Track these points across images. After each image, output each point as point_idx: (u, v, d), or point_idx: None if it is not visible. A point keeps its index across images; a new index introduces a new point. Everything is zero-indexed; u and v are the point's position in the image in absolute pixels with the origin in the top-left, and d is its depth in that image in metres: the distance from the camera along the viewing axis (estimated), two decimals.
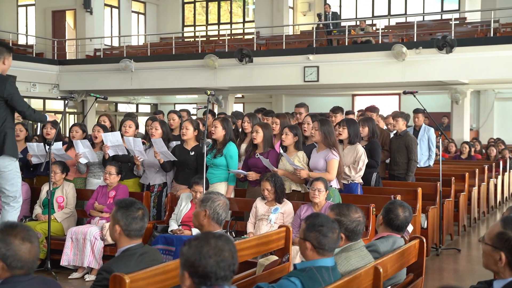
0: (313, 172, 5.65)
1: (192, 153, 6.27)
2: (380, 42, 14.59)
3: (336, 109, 7.75)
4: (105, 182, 6.24)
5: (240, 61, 14.75)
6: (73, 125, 7.09)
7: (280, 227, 4.14)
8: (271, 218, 5.41)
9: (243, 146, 6.70)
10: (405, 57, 13.26)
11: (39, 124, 18.07)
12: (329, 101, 18.05)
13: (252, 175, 5.95)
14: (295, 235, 4.86)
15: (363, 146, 6.27)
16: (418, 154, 7.93)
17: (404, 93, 7.70)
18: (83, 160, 6.60)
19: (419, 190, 6.45)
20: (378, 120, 8.20)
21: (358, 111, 9.47)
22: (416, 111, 8.73)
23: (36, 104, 17.61)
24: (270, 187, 5.43)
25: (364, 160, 6.05)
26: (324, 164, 5.58)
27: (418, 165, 8.01)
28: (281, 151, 5.82)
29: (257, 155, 6.05)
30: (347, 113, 8.75)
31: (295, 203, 5.56)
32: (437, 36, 13.83)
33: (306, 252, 2.90)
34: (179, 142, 6.59)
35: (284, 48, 15.41)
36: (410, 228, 5.35)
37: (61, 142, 6.72)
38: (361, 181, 6.17)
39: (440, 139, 7.75)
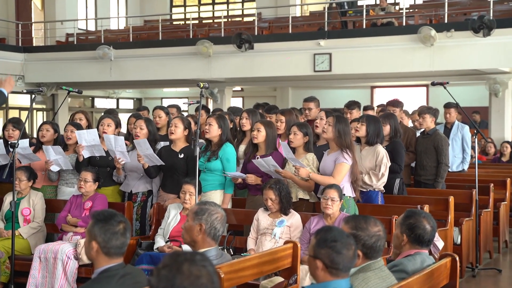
0: (314, 173, 5.66)
1: (182, 156, 6.28)
2: (404, 24, 14.58)
3: (352, 104, 7.75)
4: (80, 191, 6.25)
5: (238, 48, 14.76)
6: (42, 124, 7.08)
7: (286, 242, 4.15)
8: (275, 232, 5.41)
9: (242, 147, 6.71)
10: (434, 41, 13.25)
11: (0, 122, 18.19)
12: (343, 94, 18.04)
13: (252, 178, 5.97)
14: (304, 252, 4.86)
15: (383, 147, 6.28)
16: (450, 157, 7.93)
17: (433, 84, 7.70)
18: (54, 168, 6.61)
19: (451, 199, 6.45)
20: (401, 116, 8.22)
21: (378, 106, 9.49)
22: (447, 106, 8.73)
23: None
24: (274, 195, 5.43)
25: (386, 164, 6.07)
26: (333, 168, 5.59)
27: (449, 170, 8.01)
28: (280, 140, 5.82)
29: (257, 158, 6.06)
30: (365, 108, 8.76)
31: (304, 215, 5.56)
32: (473, 16, 13.82)
33: (316, 272, 2.90)
34: (167, 143, 6.60)
35: (290, 32, 15.41)
36: (440, 244, 5.36)
37: (27, 140, 6.68)
38: (382, 188, 6.17)
39: (476, 139, 7.66)
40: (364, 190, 6.07)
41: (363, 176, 6.04)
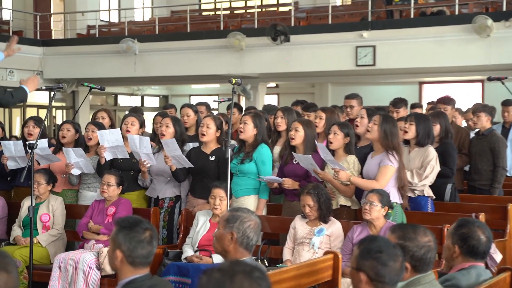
0: (355, 177, 5.64)
1: (213, 158, 6.31)
2: (457, 13, 14.42)
3: (398, 102, 7.71)
4: (102, 196, 6.32)
5: (273, 41, 14.77)
6: (63, 123, 7.18)
7: (325, 253, 4.15)
8: (314, 242, 5.41)
9: (276, 149, 6.71)
10: (490, 32, 13.07)
11: (17, 120, 18.48)
12: (388, 91, 17.90)
13: (289, 182, 5.96)
14: (346, 264, 4.85)
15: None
16: (508, 160, 7.83)
17: (489, 79, 7.63)
18: (75, 172, 6.68)
19: (510, 207, 6.35)
20: (454, 115, 8.13)
21: (428, 104, 9.39)
22: (506, 103, 8.61)
23: None
24: (312, 202, 5.43)
25: (433, 165, 6.01)
26: (377, 171, 5.56)
27: (507, 174, 7.90)
28: (316, 142, 5.79)
29: (295, 160, 6.05)
30: (413, 106, 8.70)
31: (345, 223, 5.55)
32: None
33: (360, 286, 2.89)
34: (196, 144, 6.64)
35: (330, 23, 15.36)
36: (498, 256, 5.29)
37: (46, 140, 6.76)
38: (431, 193, 6.13)
39: None
40: (412, 195, 6.02)
41: (408, 174, 5.99)
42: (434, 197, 6.17)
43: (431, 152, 6.06)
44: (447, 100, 8.06)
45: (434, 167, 6.04)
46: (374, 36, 14.20)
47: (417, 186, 6.04)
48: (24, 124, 7.32)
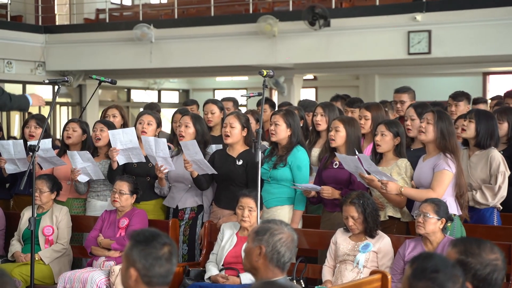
0: (407, 187, 5.60)
1: (240, 163, 6.34)
2: None
3: (459, 95, 7.65)
4: (114, 206, 6.36)
5: (311, 25, 14.75)
6: (68, 122, 7.22)
7: (372, 273, 4.14)
8: (358, 259, 5.40)
9: (315, 151, 6.71)
10: None
11: (16, 119, 18.67)
12: (446, 84, 17.79)
13: (328, 191, 5.95)
14: (396, 285, 4.83)
15: (499, 152, 6.17)
16: None
17: None
18: (82, 178, 6.72)
19: None
20: None
21: (493, 99, 9.32)
22: None
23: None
24: (356, 213, 5.42)
25: (503, 171, 5.96)
26: (431, 178, 5.53)
27: None
28: (357, 153, 5.74)
29: (335, 164, 6.04)
30: (475, 101, 8.64)
31: (396, 237, 5.54)
32: None
33: None
34: (220, 147, 6.67)
35: (377, 4, 15.31)
36: None
37: (50, 140, 6.78)
38: (499, 205, 6.07)
39: None
40: (477, 207, 5.97)
41: (473, 192, 5.94)
42: (501, 208, 6.11)
43: (496, 156, 5.99)
44: None
45: (504, 173, 5.96)
46: (429, 19, 14.10)
47: (493, 203, 5.97)
48: (24, 124, 7.33)
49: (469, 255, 3.22)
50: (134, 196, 6.36)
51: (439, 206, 5.20)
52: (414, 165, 5.83)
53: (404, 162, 5.84)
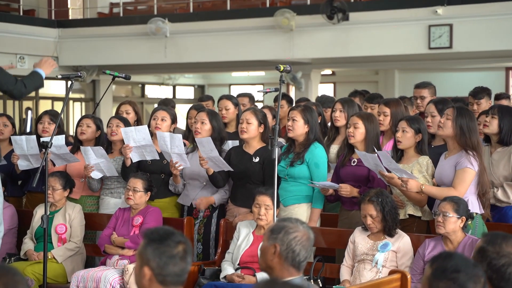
0: (428, 185, 5.58)
1: (257, 160, 6.34)
2: None
3: (479, 92, 7.61)
4: (128, 203, 6.38)
5: (329, 19, 14.73)
6: (82, 118, 7.26)
7: (391, 272, 4.14)
8: (377, 259, 5.39)
9: (334, 148, 6.70)
10: None
11: (28, 116, 18.72)
12: (468, 79, 17.72)
13: (346, 189, 5.94)
14: (416, 285, 4.82)
15: None
16: None
17: None
18: (96, 175, 6.75)
19: None
20: None
21: None
22: None
23: None
24: (375, 211, 5.42)
25: None
26: (453, 175, 5.51)
27: None
28: (376, 150, 5.72)
29: (354, 161, 6.03)
30: (498, 97, 8.59)
31: (415, 236, 5.52)
32: None
33: None
34: (237, 143, 6.67)
35: None
36: None
37: (63, 136, 6.80)
38: None
39: None
40: (498, 204, 5.95)
41: (494, 190, 5.92)
42: None
43: None
44: None
45: None
46: (450, 12, 14.04)
47: None
48: (38, 120, 7.38)
49: (489, 243, 3.24)
50: (148, 193, 6.38)
51: (459, 204, 5.18)
52: (435, 162, 5.81)
53: (425, 160, 5.82)
